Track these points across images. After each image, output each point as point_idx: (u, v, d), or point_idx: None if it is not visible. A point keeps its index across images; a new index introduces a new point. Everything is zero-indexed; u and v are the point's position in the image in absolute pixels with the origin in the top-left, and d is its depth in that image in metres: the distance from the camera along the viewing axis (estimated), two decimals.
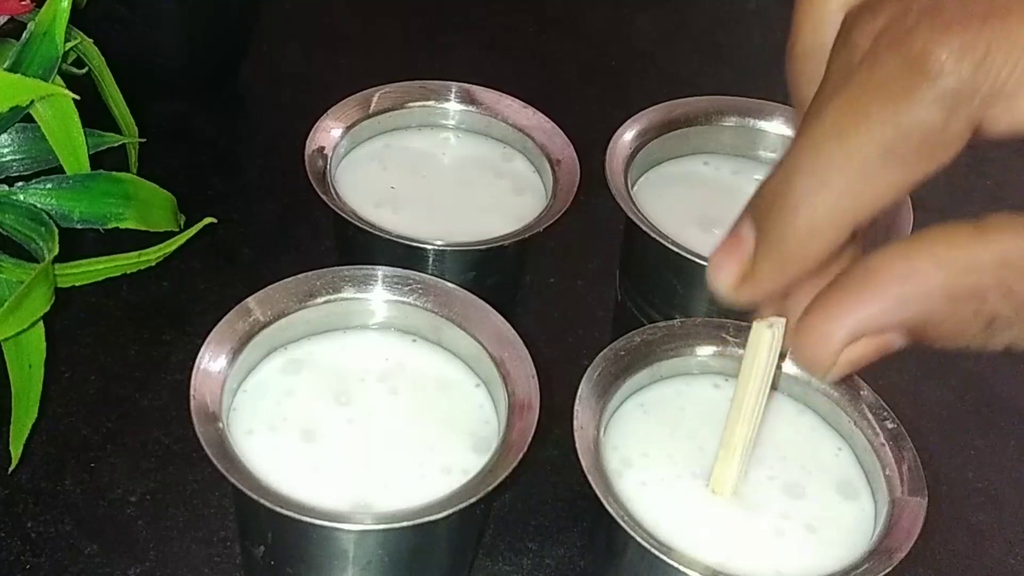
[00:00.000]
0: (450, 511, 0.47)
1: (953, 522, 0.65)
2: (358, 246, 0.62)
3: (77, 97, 0.60)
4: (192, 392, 0.50)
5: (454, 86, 0.69)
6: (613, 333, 0.58)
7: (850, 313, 0.37)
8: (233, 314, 0.54)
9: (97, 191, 0.61)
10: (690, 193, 0.67)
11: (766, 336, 0.47)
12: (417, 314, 0.56)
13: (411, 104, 0.69)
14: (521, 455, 0.49)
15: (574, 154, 0.66)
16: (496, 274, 0.64)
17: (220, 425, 0.50)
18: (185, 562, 0.59)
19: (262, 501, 0.46)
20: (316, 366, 0.55)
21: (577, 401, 0.52)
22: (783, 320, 0.44)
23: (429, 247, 0.60)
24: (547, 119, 0.68)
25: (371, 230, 0.59)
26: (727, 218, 0.65)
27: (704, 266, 0.58)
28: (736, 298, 0.41)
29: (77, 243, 0.60)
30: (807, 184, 0.37)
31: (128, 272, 0.61)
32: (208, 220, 0.63)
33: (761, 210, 0.38)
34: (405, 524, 0.47)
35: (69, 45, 0.62)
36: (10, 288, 0.56)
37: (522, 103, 0.69)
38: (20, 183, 0.60)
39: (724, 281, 0.41)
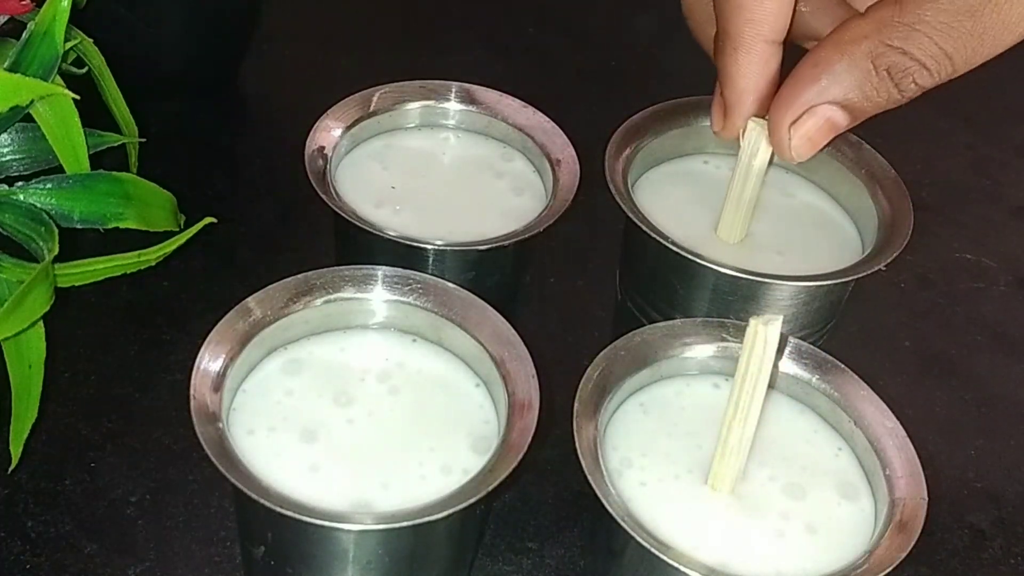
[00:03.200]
0: (450, 511, 0.47)
1: (953, 522, 0.65)
2: (358, 246, 0.62)
3: (77, 97, 0.60)
4: (192, 392, 0.50)
5: (454, 86, 0.69)
6: (613, 333, 0.58)
7: (794, 96, 0.54)
8: (233, 314, 0.54)
9: (97, 191, 0.61)
10: (690, 192, 0.67)
11: (763, 333, 0.47)
12: (417, 314, 0.56)
13: (411, 104, 0.69)
14: (521, 455, 0.49)
15: (574, 154, 0.66)
16: (496, 274, 0.64)
17: (220, 425, 0.50)
18: (185, 562, 0.59)
19: (262, 501, 0.46)
20: (316, 366, 0.55)
21: (577, 401, 0.52)
22: (780, 317, 0.48)
23: (429, 247, 0.60)
24: (547, 119, 0.68)
25: (371, 230, 0.59)
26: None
27: (704, 266, 0.59)
28: (723, 131, 0.60)
29: (77, 243, 0.60)
30: (728, 17, 0.56)
31: (128, 272, 0.61)
32: (208, 220, 0.63)
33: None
34: (405, 524, 0.47)
35: (69, 45, 0.62)
36: (10, 288, 0.56)
37: (522, 103, 0.69)
38: (20, 183, 0.60)
39: (715, 125, 0.61)
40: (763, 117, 0.58)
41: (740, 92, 0.58)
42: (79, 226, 0.61)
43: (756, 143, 0.59)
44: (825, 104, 0.54)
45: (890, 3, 0.51)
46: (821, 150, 0.57)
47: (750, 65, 0.56)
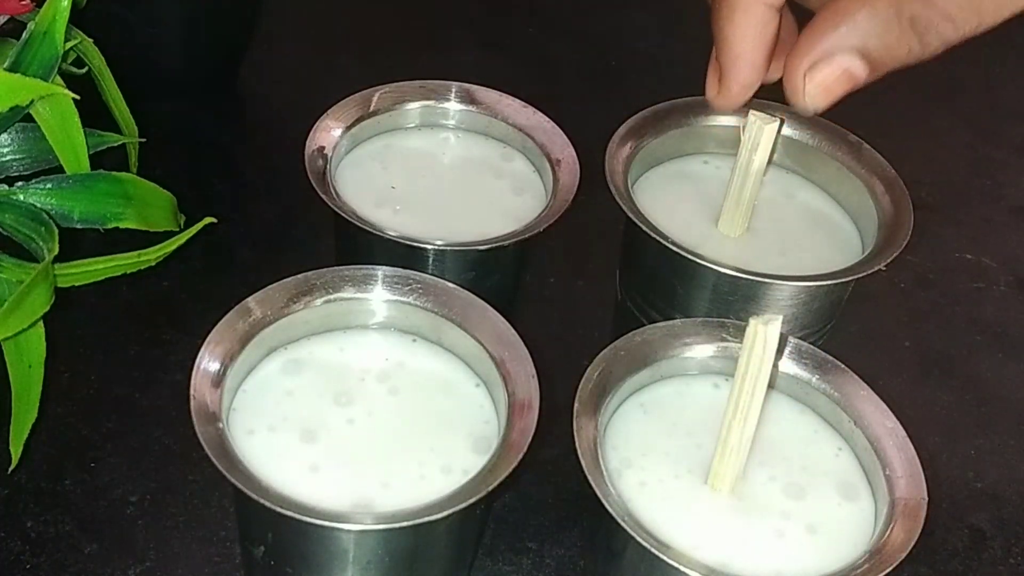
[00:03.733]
0: (450, 511, 0.47)
1: (953, 522, 0.65)
2: (358, 246, 0.61)
3: (77, 97, 0.60)
4: (192, 392, 0.50)
5: (454, 86, 0.69)
6: (613, 333, 0.58)
7: (812, 43, 0.52)
8: (233, 314, 0.54)
9: (97, 191, 0.61)
10: (690, 192, 0.67)
11: (763, 333, 0.48)
12: (417, 314, 0.56)
13: (411, 104, 0.69)
14: (521, 455, 0.49)
15: (574, 154, 0.66)
16: (496, 274, 0.63)
17: (220, 425, 0.50)
18: (185, 562, 0.59)
19: (262, 501, 0.46)
20: (316, 366, 0.55)
21: (577, 401, 0.52)
22: (780, 317, 0.48)
23: (429, 247, 0.60)
24: (547, 119, 0.68)
25: (371, 230, 0.59)
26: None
27: (704, 266, 0.59)
28: (719, 103, 0.60)
29: (77, 243, 0.60)
30: None
31: (128, 272, 0.61)
32: (208, 220, 0.63)
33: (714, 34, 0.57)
34: (405, 524, 0.47)
35: (69, 45, 0.62)
36: (10, 288, 0.56)
37: (522, 103, 0.69)
38: (20, 183, 0.60)
39: (709, 94, 0.60)
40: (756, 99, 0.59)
41: (735, 56, 0.57)
42: (79, 226, 0.60)
43: (757, 137, 0.59)
44: (844, 52, 0.52)
45: None
46: (836, 105, 0.55)
47: (747, 27, 0.55)
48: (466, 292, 0.56)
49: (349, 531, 0.48)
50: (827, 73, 0.53)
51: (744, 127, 0.60)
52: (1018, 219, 0.87)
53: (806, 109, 0.55)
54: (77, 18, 0.62)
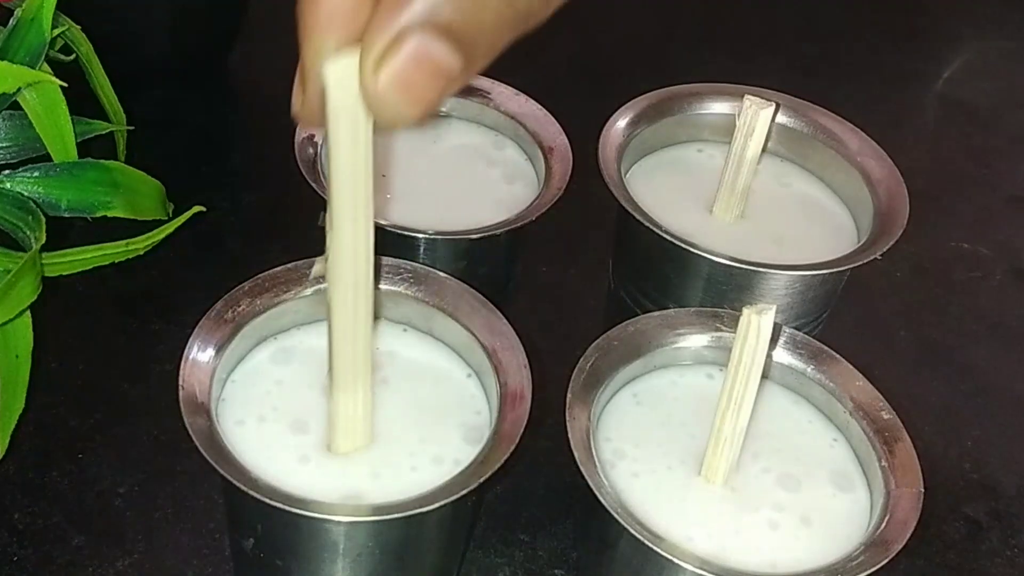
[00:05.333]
0: (441, 503, 0.46)
1: (949, 513, 0.65)
2: None
3: (64, 84, 0.59)
4: (181, 382, 0.50)
5: None
6: (606, 322, 0.58)
7: (378, 24, 0.36)
8: (222, 303, 0.53)
9: (85, 179, 0.61)
10: (684, 180, 0.67)
11: (756, 323, 0.47)
12: (408, 303, 0.56)
13: None
14: (513, 446, 0.49)
15: (567, 142, 0.66)
16: (488, 263, 0.63)
17: (209, 416, 0.49)
18: (174, 554, 0.59)
19: (251, 492, 0.46)
20: (306, 355, 0.55)
21: (569, 391, 0.51)
22: (773, 307, 0.47)
23: (420, 236, 0.59)
24: (539, 107, 0.68)
25: None
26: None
27: (698, 255, 0.58)
28: (302, 112, 0.41)
29: (64, 232, 0.60)
30: None
31: (116, 261, 0.61)
32: (197, 208, 0.63)
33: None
34: (396, 516, 0.46)
35: (56, 32, 0.61)
36: None
37: (514, 90, 0.68)
38: (7, 171, 0.60)
39: (294, 107, 0.41)
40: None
41: (320, 52, 0.39)
42: (67, 215, 0.60)
43: (752, 121, 0.59)
44: (418, 31, 0.36)
45: None
46: (436, 109, 0.40)
47: (334, 14, 0.38)
48: (457, 281, 0.56)
49: (339, 523, 0.48)
50: (402, 68, 0.37)
51: (739, 112, 0.59)
52: (1015, 208, 0.87)
53: (389, 120, 0.38)
54: (64, 5, 0.62)
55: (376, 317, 0.55)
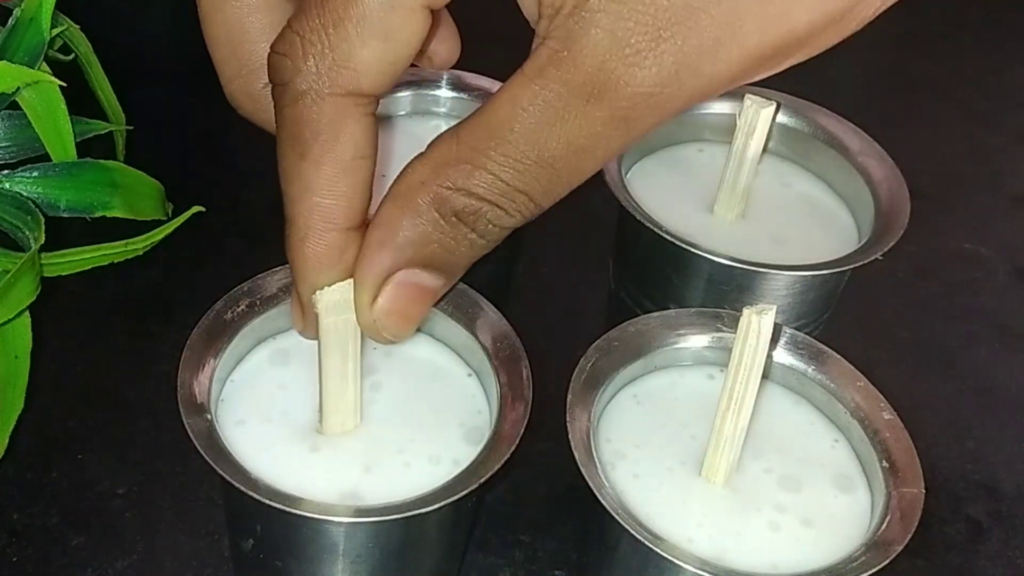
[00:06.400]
0: (441, 504, 0.46)
1: (951, 514, 0.65)
2: None
3: (63, 84, 0.59)
4: (179, 383, 0.49)
5: (445, 72, 0.69)
6: (607, 323, 0.58)
7: (366, 271, 0.45)
8: (221, 304, 0.53)
9: (84, 179, 0.61)
10: (684, 180, 0.66)
11: (756, 323, 0.47)
12: None
13: (402, 91, 0.68)
14: (513, 447, 0.48)
15: None
16: (488, 263, 0.63)
17: (208, 416, 0.49)
18: (173, 555, 0.58)
19: (250, 493, 0.45)
20: (305, 356, 0.54)
21: (570, 392, 0.51)
22: (774, 307, 0.48)
23: None
24: None
25: None
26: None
27: (699, 255, 0.58)
28: (305, 331, 0.49)
29: (63, 232, 0.60)
30: (292, 202, 0.46)
31: (115, 261, 0.61)
32: (196, 209, 0.63)
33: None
34: (396, 517, 0.46)
35: (55, 31, 0.62)
36: None
37: None
38: (6, 171, 0.60)
39: (295, 326, 0.49)
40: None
41: (312, 288, 0.46)
42: (65, 215, 0.60)
43: (753, 120, 0.59)
44: (404, 271, 0.44)
45: (448, 138, 0.43)
46: (422, 321, 0.47)
47: (321, 258, 0.45)
48: (457, 281, 0.55)
49: (339, 524, 0.48)
50: (393, 298, 0.45)
51: (740, 112, 0.59)
52: (1017, 208, 0.87)
53: (389, 342, 0.48)
54: (64, 4, 0.62)
55: None
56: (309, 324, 0.48)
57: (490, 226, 0.43)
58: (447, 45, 0.56)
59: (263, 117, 0.46)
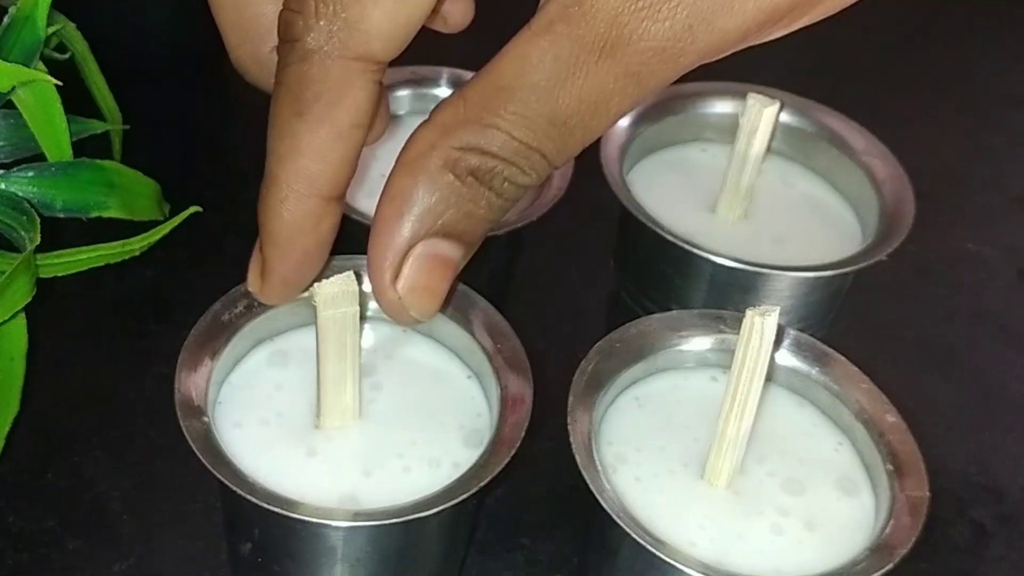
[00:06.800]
0: (441, 507, 0.46)
1: (955, 517, 0.65)
2: (348, 236, 0.60)
3: (59, 83, 0.59)
4: (177, 385, 0.49)
5: (445, 72, 0.68)
6: (608, 324, 0.58)
7: (383, 247, 0.42)
8: (219, 305, 0.53)
9: (80, 179, 0.61)
10: (686, 180, 0.66)
11: (759, 324, 0.47)
12: None
13: (401, 91, 0.68)
14: (514, 449, 0.48)
15: None
16: (488, 264, 0.63)
17: (206, 419, 0.49)
18: (171, 558, 0.58)
19: (248, 497, 0.45)
20: (304, 357, 0.54)
21: (571, 394, 0.51)
22: (777, 308, 0.47)
23: None
24: None
25: (362, 220, 0.59)
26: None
27: (701, 256, 0.58)
28: (260, 293, 0.48)
29: (59, 232, 0.60)
30: (279, 160, 0.44)
31: (112, 262, 0.60)
32: (194, 209, 0.63)
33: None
34: (395, 520, 0.46)
35: (51, 30, 0.61)
36: None
37: None
38: (1, 171, 0.60)
39: (250, 284, 0.48)
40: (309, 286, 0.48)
41: (281, 253, 0.46)
42: (61, 215, 0.60)
43: (756, 120, 0.59)
44: (423, 241, 0.42)
45: (454, 100, 0.42)
46: (449, 298, 0.46)
47: (298, 223, 0.45)
48: (457, 282, 0.55)
49: (337, 527, 0.47)
50: (416, 272, 0.43)
51: (743, 111, 0.59)
52: (1021, 208, 0.87)
53: (416, 321, 0.45)
54: (60, 2, 0.62)
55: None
56: (268, 285, 0.47)
57: (507, 184, 0.41)
58: (460, 5, 0.56)
59: (272, 83, 0.44)
